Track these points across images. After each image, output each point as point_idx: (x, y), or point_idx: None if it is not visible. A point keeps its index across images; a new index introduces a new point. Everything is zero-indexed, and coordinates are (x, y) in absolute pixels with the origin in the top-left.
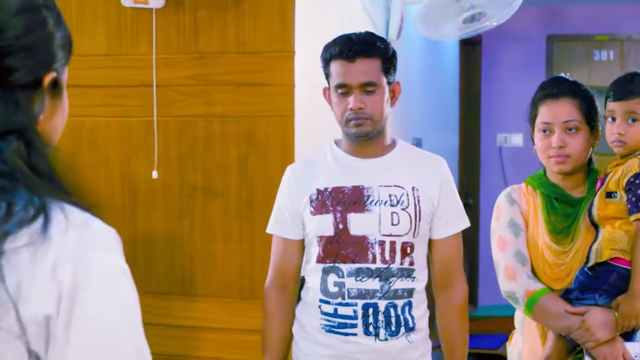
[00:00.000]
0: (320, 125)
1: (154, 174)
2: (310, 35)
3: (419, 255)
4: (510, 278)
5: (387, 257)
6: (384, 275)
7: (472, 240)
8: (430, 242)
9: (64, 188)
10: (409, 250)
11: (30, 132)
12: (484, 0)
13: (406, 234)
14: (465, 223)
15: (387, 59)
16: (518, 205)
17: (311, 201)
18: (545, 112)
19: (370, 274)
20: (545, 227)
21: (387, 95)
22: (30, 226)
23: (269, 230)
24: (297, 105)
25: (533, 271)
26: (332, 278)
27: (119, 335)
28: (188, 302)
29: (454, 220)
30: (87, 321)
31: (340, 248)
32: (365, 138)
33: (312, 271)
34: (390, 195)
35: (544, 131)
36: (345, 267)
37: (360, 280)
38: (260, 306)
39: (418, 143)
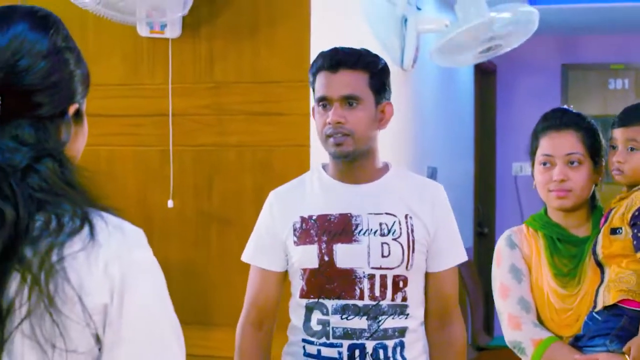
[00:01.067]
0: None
1: (170, 203)
2: None
3: (414, 290)
4: (514, 327)
5: (377, 292)
6: (372, 313)
7: (488, 269)
8: (426, 276)
9: (94, 198)
10: (401, 284)
11: (61, 154)
12: (503, 32)
13: (398, 266)
14: (463, 256)
15: (375, 73)
16: (519, 249)
17: (294, 230)
18: (546, 144)
19: (357, 311)
20: (549, 271)
21: (373, 113)
22: (80, 233)
23: (245, 258)
24: (312, 134)
25: (539, 318)
26: (315, 315)
27: (158, 311)
28: (205, 331)
29: (451, 251)
30: (135, 304)
31: (325, 282)
32: (348, 159)
33: (295, 307)
34: (381, 224)
35: (544, 164)
36: (330, 304)
37: (346, 318)
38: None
39: (433, 172)
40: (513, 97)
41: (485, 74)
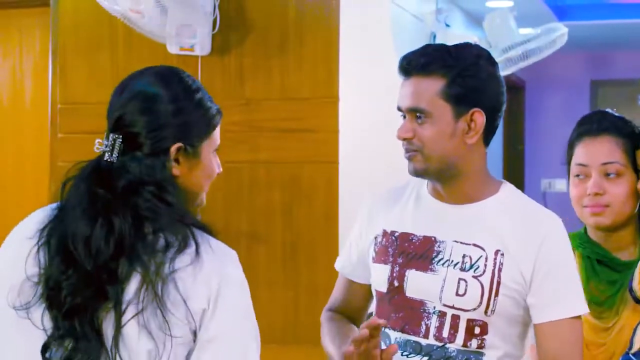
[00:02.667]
0: (365, 171)
1: (198, 218)
2: (355, 82)
3: (497, 339)
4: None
5: (445, 333)
6: (435, 355)
7: None
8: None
9: (189, 217)
10: (477, 330)
11: (164, 182)
12: (532, 45)
13: (474, 309)
14: (577, 308)
15: (456, 78)
16: None
17: (375, 244)
18: (581, 152)
19: (419, 350)
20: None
21: (448, 127)
22: (188, 251)
23: (336, 265)
24: (341, 151)
25: None
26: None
27: (241, 316)
28: None
29: (560, 301)
30: (225, 309)
31: (392, 310)
32: (426, 178)
33: None
34: (464, 256)
35: (578, 175)
36: (394, 336)
37: (407, 355)
38: (305, 350)
39: None
40: (542, 113)
41: (514, 89)
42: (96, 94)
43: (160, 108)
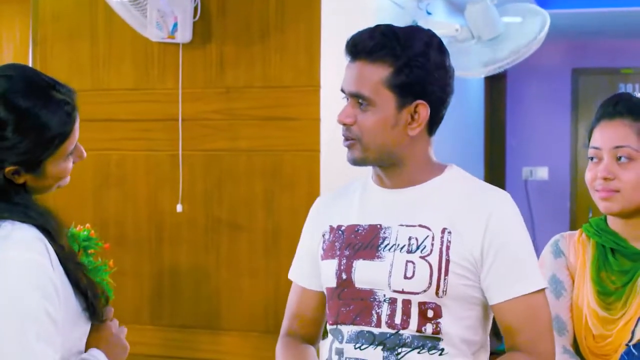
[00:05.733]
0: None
1: (178, 208)
2: (336, 70)
3: (454, 324)
4: None
5: (398, 320)
6: (389, 343)
7: None
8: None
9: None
10: (431, 314)
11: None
12: (505, 53)
13: (424, 291)
14: (535, 283)
15: (403, 67)
16: (565, 257)
17: (323, 241)
18: (596, 135)
19: (372, 339)
20: (592, 287)
21: (390, 117)
22: None
23: (289, 275)
24: (322, 139)
25: (575, 342)
26: (334, 344)
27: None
28: (214, 336)
29: (516, 277)
30: None
31: (341, 304)
32: (364, 166)
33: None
34: (410, 238)
35: (592, 159)
36: (346, 330)
37: (359, 348)
38: None
39: None
40: (523, 101)
41: (495, 78)
42: (77, 82)
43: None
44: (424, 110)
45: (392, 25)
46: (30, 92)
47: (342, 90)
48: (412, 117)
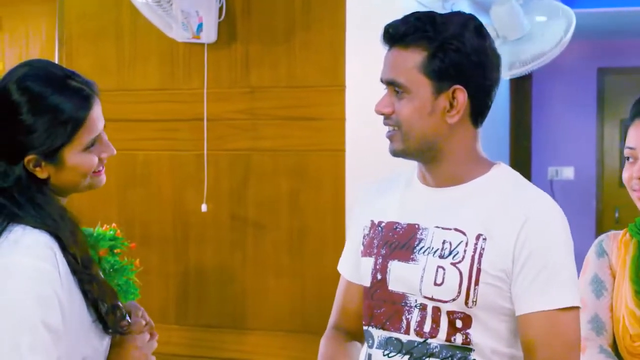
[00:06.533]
0: (372, 158)
1: (203, 207)
2: (361, 70)
3: (485, 335)
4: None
5: (427, 327)
6: (416, 353)
7: None
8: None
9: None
10: (459, 324)
11: (14, 189)
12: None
13: (453, 299)
14: (566, 300)
15: (438, 51)
16: (608, 257)
17: (364, 236)
18: (630, 134)
19: (400, 348)
20: (630, 287)
21: (427, 104)
22: None
23: (338, 266)
24: (348, 139)
25: (614, 343)
26: (365, 348)
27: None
28: (239, 335)
29: (546, 290)
30: None
31: (374, 306)
32: (405, 157)
33: None
34: (444, 242)
35: (628, 158)
36: (376, 334)
37: (387, 355)
38: (312, 339)
39: None
40: (548, 101)
41: (520, 78)
42: (103, 82)
43: (9, 119)
44: (462, 96)
45: (431, 11)
46: (45, 78)
47: (381, 80)
48: (451, 104)
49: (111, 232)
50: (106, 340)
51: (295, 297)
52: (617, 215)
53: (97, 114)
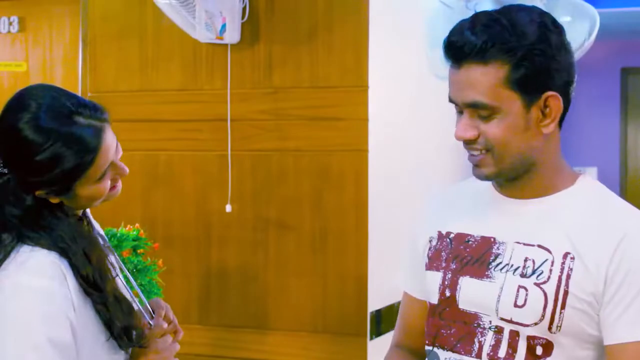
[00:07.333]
0: (395, 159)
1: (228, 208)
2: (385, 69)
3: None
4: None
5: (502, 353)
6: None
7: None
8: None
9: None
10: (539, 351)
11: (25, 213)
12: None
13: (535, 323)
14: None
15: (522, 61)
16: None
17: (429, 247)
18: None
19: None
20: None
21: (520, 119)
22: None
23: (400, 281)
24: (371, 139)
25: None
26: None
27: (7, 326)
28: (261, 336)
29: (637, 317)
30: None
31: (442, 325)
32: (497, 180)
33: None
34: (526, 260)
35: None
36: (443, 356)
37: None
38: (333, 339)
39: None
40: (571, 101)
41: None
42: (126, 82)
43: (25, 156)
44: (555, 102)
45: (491, 12)
46: (54, 116)
47: (452, 101)
48: (544, 113)
49: (134, 233)
50: (119, 357)
51: (317, 298)
52: None
53: (108, 143)
